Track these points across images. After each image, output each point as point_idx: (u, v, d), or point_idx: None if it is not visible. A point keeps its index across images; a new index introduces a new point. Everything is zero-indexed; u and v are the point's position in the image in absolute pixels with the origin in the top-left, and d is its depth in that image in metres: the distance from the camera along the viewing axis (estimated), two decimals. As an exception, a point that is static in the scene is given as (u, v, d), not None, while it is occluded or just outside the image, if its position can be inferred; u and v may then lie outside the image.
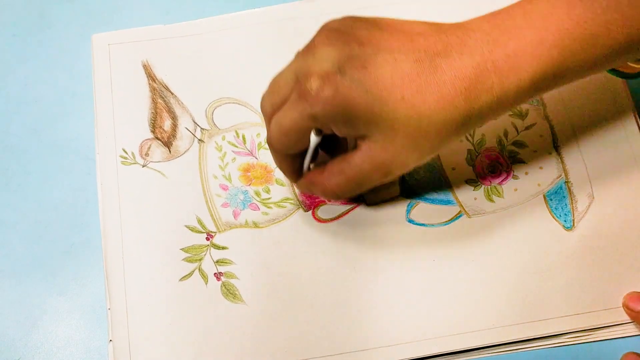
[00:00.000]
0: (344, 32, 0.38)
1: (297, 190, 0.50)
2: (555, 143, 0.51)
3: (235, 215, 0.49)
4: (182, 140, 0.51)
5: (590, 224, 0.48)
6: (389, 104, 0.36)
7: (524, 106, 0.51)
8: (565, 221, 0.49)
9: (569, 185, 0.49)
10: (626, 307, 0.46)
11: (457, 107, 0.37)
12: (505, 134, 0.51)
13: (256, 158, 0.51)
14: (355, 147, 0.40)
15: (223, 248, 0.48)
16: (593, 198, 0.49)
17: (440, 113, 0.37)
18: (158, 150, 0.51)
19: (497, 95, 0.37)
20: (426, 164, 0.50)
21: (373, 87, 0.36)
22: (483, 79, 0.37)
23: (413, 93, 0.36)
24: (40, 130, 0.53)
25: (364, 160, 0.40)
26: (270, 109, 0.42)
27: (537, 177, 0.50)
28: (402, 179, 0.50)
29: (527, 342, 0.46)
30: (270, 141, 0.42)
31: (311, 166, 0.45)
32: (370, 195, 0.49)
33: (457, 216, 0.49)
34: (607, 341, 0.46)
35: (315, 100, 0.37)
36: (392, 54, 0.37)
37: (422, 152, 0.39)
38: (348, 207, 0.49)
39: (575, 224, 0.48)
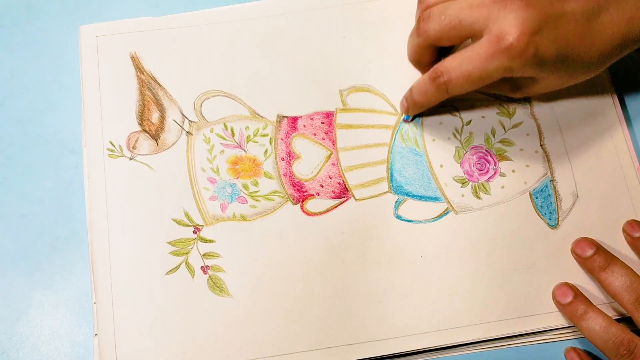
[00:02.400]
0: None
1: (285, 184, 0.50)
2: (541, 141, 0.51)
3: (223, 208, 0.49)
4: (170, 132, 0.51)
5: (574, 222, 0.49)
6: (569, 57, 0.44)
7: (511, 104, 0.52)
8: (550, 219, 0.49)
9: (554, 183, 0.50)
10: (625, 232, 0.49)
11: (612, 58, 0.46)
12: (493, 132, 0.51)
13: (244, 151, 0.51)
14: None
15: (210, 241, 0.48)
16: (577, 197, 0.50)
17: (601, 63, 0.46)
18: (146, 143, 0.51)
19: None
20: (414, 161, 0.50)
21: (562, 44, 0.43)
22: (634, 30, 0.45)
23: (585, 48, 0.44)
24: (26, 122, 0.52)
25: (523, 94, 0.49)
26: (437, 37, 0.46)
27: (524, 175, 0.50)
28: (391, 176, 0.50)
29: (513, 338, 0.47)
30: (449, 86, 0.45)
31: None
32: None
33: (445, 213, 0.49)
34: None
35: (518, 55, 0.42)
36: (574, 13, 0.43)
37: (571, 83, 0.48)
38: (337, 201, 0.49)
39: (559, 222, 0.49)
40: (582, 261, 0.47)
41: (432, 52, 0.48)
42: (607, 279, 0.45)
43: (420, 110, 0.50)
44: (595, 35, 0.44)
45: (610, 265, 0.46)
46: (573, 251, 0.48)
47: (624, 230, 0.48)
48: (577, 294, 0.46)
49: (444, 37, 0.45)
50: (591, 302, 0.46)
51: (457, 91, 0.45)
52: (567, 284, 0.47)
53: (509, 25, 0.42)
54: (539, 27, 0.42)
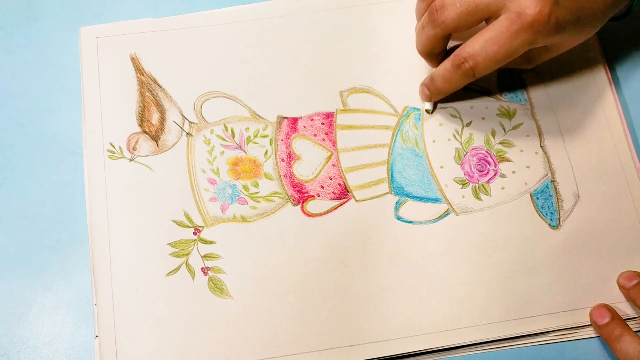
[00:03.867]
0: None
1: (285, 185, 0.50)
2: (541, 142, 0.51)
3: (223, 209, 0.49)
4: (170, 134, 0.51)
5: (575, 223, 0.49)
6: (580, 20, 0.45)
7: (512, 105, 0.52)
8: (551, 220, 0.49)
9: (555, 184, 0.50)
10: (620, 285, 0.48)
11: (615, 6, 0.47)
12: (493, 133, 0.51)
13: (245, 152, 0.51)
14: None
15: (210, 242, 0.48)
16: (579, 197, 0.50)
17: (606, 16, 0.47)
18: (146, 144, 0.51)
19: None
20: (415, 162, 0.50)
21: (575, 7, 0.44)
22: None
23: (593, 4, 0.45)
24: (26, 124, 0.52)
25: (535, 61, 0.49)
26: (455, 25, 0.46)
27: (524, 176, 0.50)
28: (392, 177, 0.50)
29: (514, 340, 0.47)
30: (476, 70, 0.45)
31: None
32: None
33: (445, 214, 0.49)
34: (593, 339, 0.47)
35: (540, 28, 0.43)
36: None
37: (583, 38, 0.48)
38: (337, 202, 0.49)
39: (561, 223, 0.49)
40: (626, 292, 0.47)
41: (446, 41, 0.48)
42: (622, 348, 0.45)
43: (444, 96, 0.50)
44: None
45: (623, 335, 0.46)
46: (618, 283, 0.48)
47: (618, 284, 0.48)
48: (615, 316, 0.46)
49: (462, 24, 0.46)
50: (628, 325, 0.46)
51: (484, 73, 0.46)
52: (605, 306, 0.47)
53: (527, 0, 0.43)
54: None
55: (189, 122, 0.51)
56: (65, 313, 0.48)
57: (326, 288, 0.47)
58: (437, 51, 0.49)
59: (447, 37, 0.48)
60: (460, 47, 0.45)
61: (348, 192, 0.50)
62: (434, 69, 0.49)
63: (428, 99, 0.51)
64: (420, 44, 0.49)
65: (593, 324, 0.47)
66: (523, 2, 0.43)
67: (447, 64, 0.47)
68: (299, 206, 0.49)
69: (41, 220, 0.49)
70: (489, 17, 0.45)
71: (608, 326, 0.46)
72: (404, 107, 0.52)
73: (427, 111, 0.52)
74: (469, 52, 0.45)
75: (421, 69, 0.52)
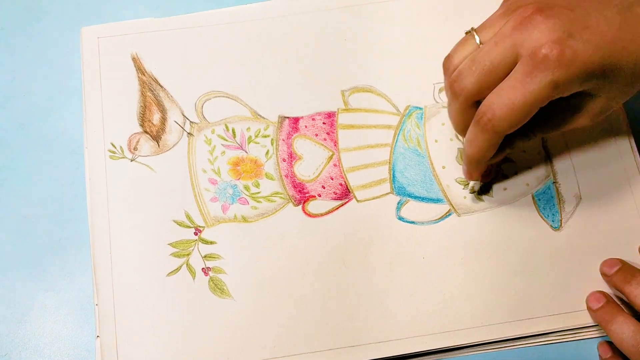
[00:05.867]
0: (547, 3, 0.41)
1: (287, 185, 0.50)
2: (544, 143, 0.51)
3: (224, 209, 0.49)
4: (171, 134, 0.51)
5: (577, 225, 0.49)
6: (615, 56, 0.40)
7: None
8: (553, 221, 0.49)
9: (557, 185, 0.50)
10: (603, 273, 0.47)
11: None
12: (495, 133, 0.51)
13: (246, 152, 0.51)
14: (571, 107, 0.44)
15: (211, 243, 0.48)
16: (580, 199, 0.49)
17: None
18: (147, 144, 0.51)
19: None
20: (417, 162, 0.50)
21: (601, 43, 0.40)
22: None
23: (629, 42, 0.40)
24: (28, 124, 0.52)
25: (589, 116, 0.44)
26: (477, 89, 0.42)
27: (526, 177, 0.50)
28: (393, 177, 0.50)
29: (515, 341, 0.47)
30: (494, 123, 0.41)
31: None
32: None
33: (447, 214, 0.49)
34: (594, 339, 0.47)
35: (557, 65, 0.39)
36: (600, 12, 0.40)
37: (633, 91, 0.44)
38: (339, 202, 0.49)
39: (562, 224, 0.49)
40: (609, 279, 0.47)
41: (474, 111, 0.43)
42: (633, 291, 0.45)
43: (479, 166, 0.46)
44: (636, 26, 0.40)
45: (635, 278, 0.45)
46: (601, 271, 0.48)
47: (601, 272, 0.47)
48: (609, 300, 0.46)
49: (484, 87, 0.42)
50: (622, 308, 0.46)
51: (506, 126, 0.41)
52: (601, 292, 0.47)
53: (536, 40, 0.39)
54: (568, 32, 0.39)
55: (190, 122, 0.51)
56: (67, 313, 0.48)
57: (327, 288, 0.47)
58: (469, 123, 0.44)
59: (475, 105, 0.43)
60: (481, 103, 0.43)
61: (349, 192, 0.50)
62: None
63: (468, 175, 0.48)
64: (453, 121, 0.45)
65: (589, 310, 0.47)
66: (534, 43, 0.39)
67: (471, 125, 0.43)
68: (300, 206, 0.49)
69: (42, 221, 0.50)
70: (509, 71, 0.41)
71: (602, 309, 0.46)
72: (406, 106, 0.52)
73: (475, 194, 0.50)
74: (486, 105, 0.41)
75: (423, 68, 0.52)
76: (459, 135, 0.51)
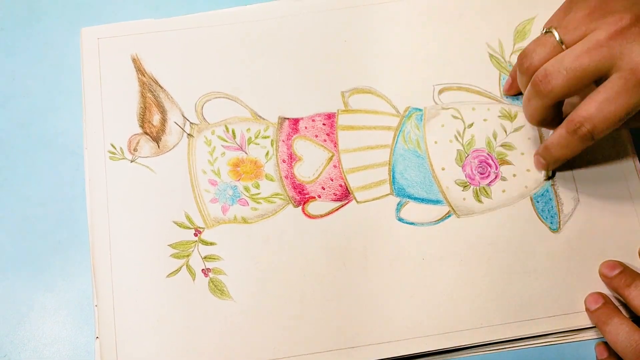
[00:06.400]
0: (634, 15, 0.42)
1: (286, 186, 0.50)
2: (542, 145, 0.51)
3: (224, 210, 0.49)
4: (171, 135, 0.51)
5: (575, 226, 0.49)
6: None
7: (513, 108, 0.52)
8: (551, 223, 0.49)
9: (555, 187, 0.50)
10: (602, 274, 0.48)
11: None
12: (495, 135, 0.51)
13: (246, 153, 0.51)
14: None
15: (211, 244, 0.48)
16: (579, 201, 0.50)
17: None
18: (147, 145, 0.51)
19: None
20: (416, 163, 0.50)
21: None
22: None
23: None
24: (27, 124, 0.52)
25: None
26: (565, 92, 0.43)
27: (525, 179, 0.50)
28: (393, 178, 0.50)
29: (514, 342, 0.47)
30: (595, 134, 0.43)
31: None
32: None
33: (447, 216, 0.49)
34: (593, 341, 0.47)
35: None
36: None
37: None
38: (338, 203, 0.49)
39: (561, 226, 0.49)
40: (609, 281, 0.47)
41: (557, 109, 0.46)
42: (632, 295, 0.45)
43: (561, 164, 0.49)
44: None
45: (635, 282, 0.45)
46: (600, 272, 0.48)
47: (600, 274, 0.48)
48: (607, 301, 0.46)
49: (572, 91, 0.43)
50: (619, 310, 0.46)
51: (602, 135, 0.43)
52: (599, 293, 0.47)
53: (638, 56, 0.41)
54: None
55: (190, 123, 0.51)
56: (66, 314, 0.48)
57: (327, 290, 0.47)
58: (550, 119, 0.46)
59: (559, 105, 0.46)
60: (574, 112, 0.44)
61: (349, 193, 0.50)
62: (546, 138, 0.48)
63: (545, 167, 0.50)
64: (530, 115, 0.47)
65: (587, 310, 0.47)
66: (635, 59, 0.41)
67: (561, 130, 0.45)
68: (300, 208, 0.49)
69: (42, 221, 0.49)
70: (598, 79, 0.43)
71: (599, 310, 0.46)
72: (406, 107, 0.52)
73: (545, 179, 0.50)
74: (585, 116, 0.43)
75: (423, 70, 0.53)
76: (457, 136, 0.51)
